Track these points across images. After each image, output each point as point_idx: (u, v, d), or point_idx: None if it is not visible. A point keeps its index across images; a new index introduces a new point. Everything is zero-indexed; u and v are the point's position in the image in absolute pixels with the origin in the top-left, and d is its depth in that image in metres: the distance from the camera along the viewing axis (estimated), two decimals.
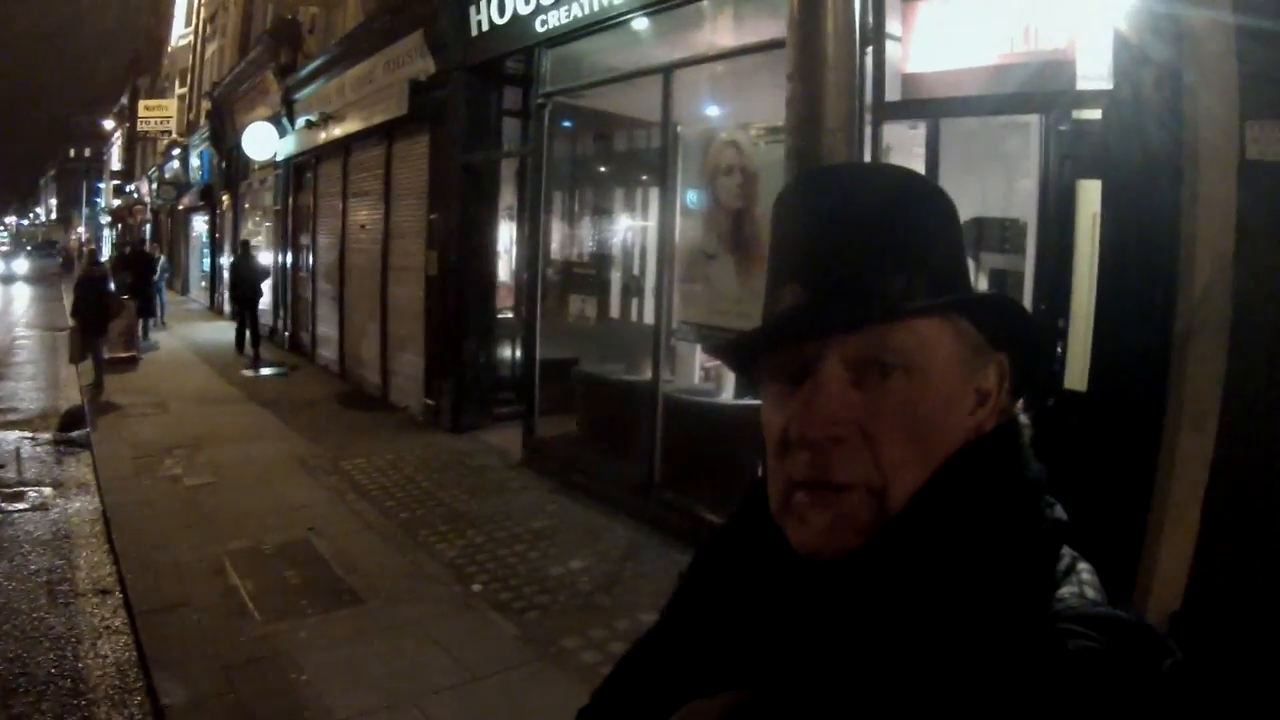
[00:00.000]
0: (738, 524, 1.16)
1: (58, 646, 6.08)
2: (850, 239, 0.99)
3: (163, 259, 25.94)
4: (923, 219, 1.03)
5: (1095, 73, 5.25)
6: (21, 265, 64.26)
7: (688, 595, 1.20)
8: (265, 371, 16.71)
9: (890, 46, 6.30)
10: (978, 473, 0.96)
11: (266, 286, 19.57)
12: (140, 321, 18.84)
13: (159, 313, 22.09)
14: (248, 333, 18.37)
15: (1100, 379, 5.54)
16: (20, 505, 9.04)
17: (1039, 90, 5.47)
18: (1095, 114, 5.52)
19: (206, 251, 28.14)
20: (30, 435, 12.01)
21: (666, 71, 8.37)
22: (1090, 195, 5.77)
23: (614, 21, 8.73)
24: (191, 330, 21.99)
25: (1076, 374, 5.83)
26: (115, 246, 30.30)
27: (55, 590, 7.02)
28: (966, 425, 1.00)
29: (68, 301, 16.29)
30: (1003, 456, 0.99)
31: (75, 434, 11.72)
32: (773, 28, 7.04)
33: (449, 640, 5.96)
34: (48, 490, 9.56)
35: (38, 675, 5.69)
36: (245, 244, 19.73)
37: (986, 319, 1.02)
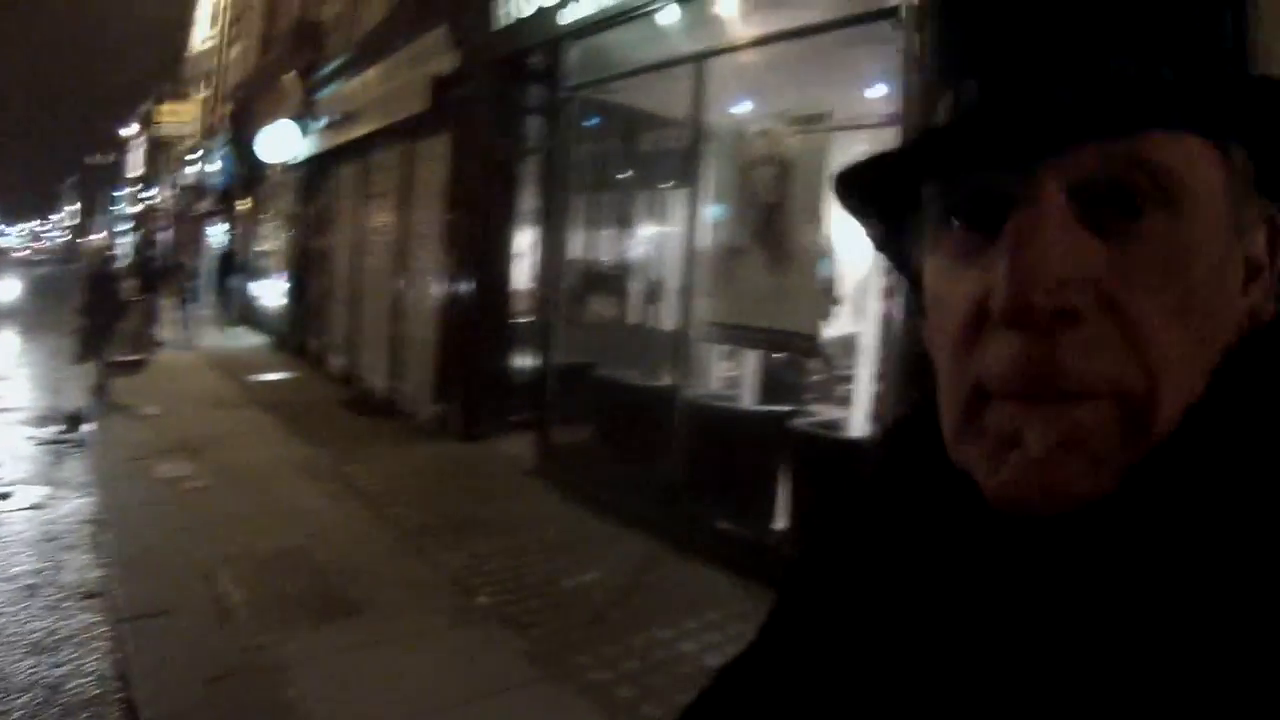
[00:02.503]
0: (877, 485, 0.83)
1: (36, 651, 5.81)
2: (1064, 6, 0.64)
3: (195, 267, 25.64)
4: None
5: None
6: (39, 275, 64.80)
7: (802, 604, 0.87)
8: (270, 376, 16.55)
9: None
10: (1270, 385, 0.65)
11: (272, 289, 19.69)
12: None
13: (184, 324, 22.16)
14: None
15: None
16: (13, 504, 8.82)
17: None
18: None
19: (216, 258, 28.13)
20: (30, 435, 11.83)
21: (696, 61, 8.10)
22: None
23: (641, 11, 8.47)
24: (201, 335, 21.87)
25: None
26: (136, 249, 30.40)
27: (39, 592, 6.76)
28: (1238, 309, 0.67)
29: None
30: None
31: (75, 434, 11.55)
32: (804, 14, 6.82)
33: (452, 655, 5.67)
34: (43, 490, 9.33)
35: (12, 682, 5.41)
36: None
37: (1270, 144, 0.66)
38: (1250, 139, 0.66)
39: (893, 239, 0.79)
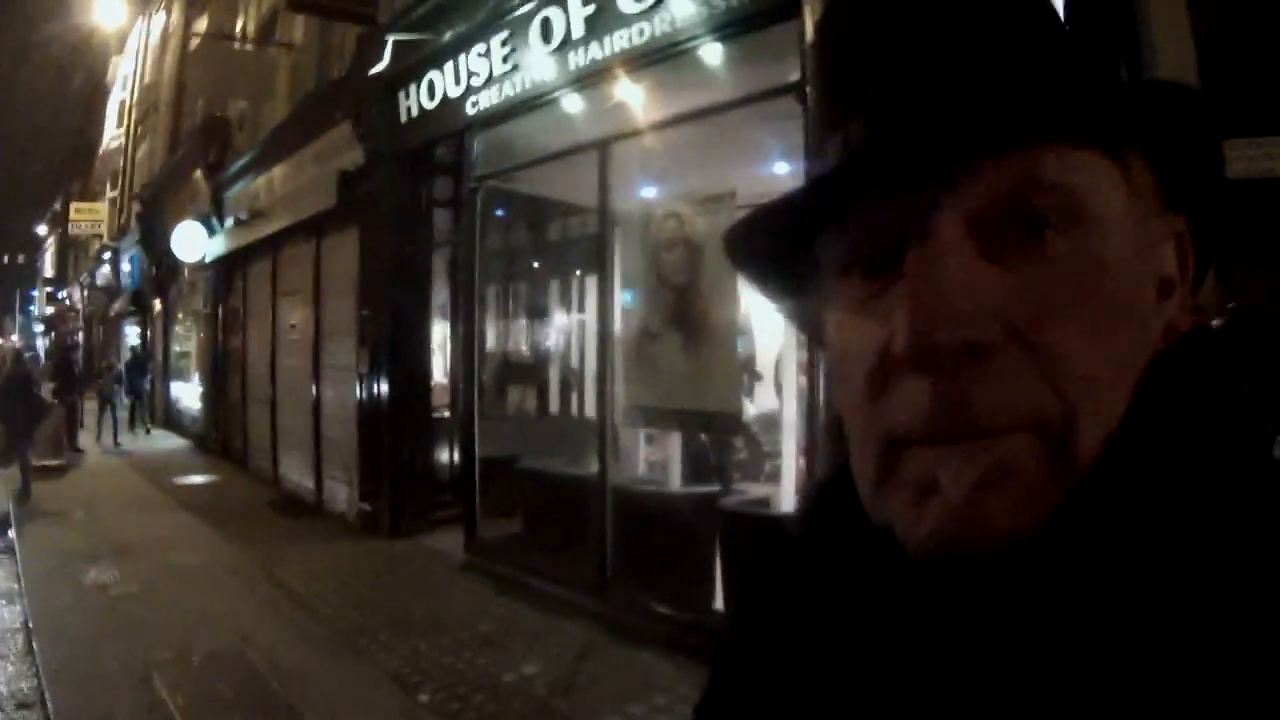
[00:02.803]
0: (800, 550, 0.80)
1: None
2: (953, 34, 0.63)
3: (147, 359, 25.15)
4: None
5: None
6: None
7: (734, 679, 0.83)
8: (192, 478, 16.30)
9: None
10: (1195, 402, 0.63)
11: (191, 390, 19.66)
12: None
13: (131, 418, 21.94)
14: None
15: None
16: None
17: None
18: None
19: (126, 360, 27.74)
20: None
21: (601, 147, 8.19)
22: None
23: (544, 100, 8.58)
24: (123, 438, 21.46)
25: None
26: (51, 351, 29.85)
27: None
28: (1154, 327, 0.66)
29: None
30: (1217, 375, 0.66)
31: None
32: (706, 95, 6.96)
33: None
34: None
35: None
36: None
37: (1169, 154, 0.66)
38: (1145, 145, 0.65)
39: (794, 302, 0.78)
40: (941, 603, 0.63)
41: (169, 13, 28.75)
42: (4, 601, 9.00)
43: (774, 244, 0.71)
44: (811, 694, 0.72)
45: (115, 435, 20.68)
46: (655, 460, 8.51)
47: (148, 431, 21.85)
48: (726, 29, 6.72)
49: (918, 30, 0.64)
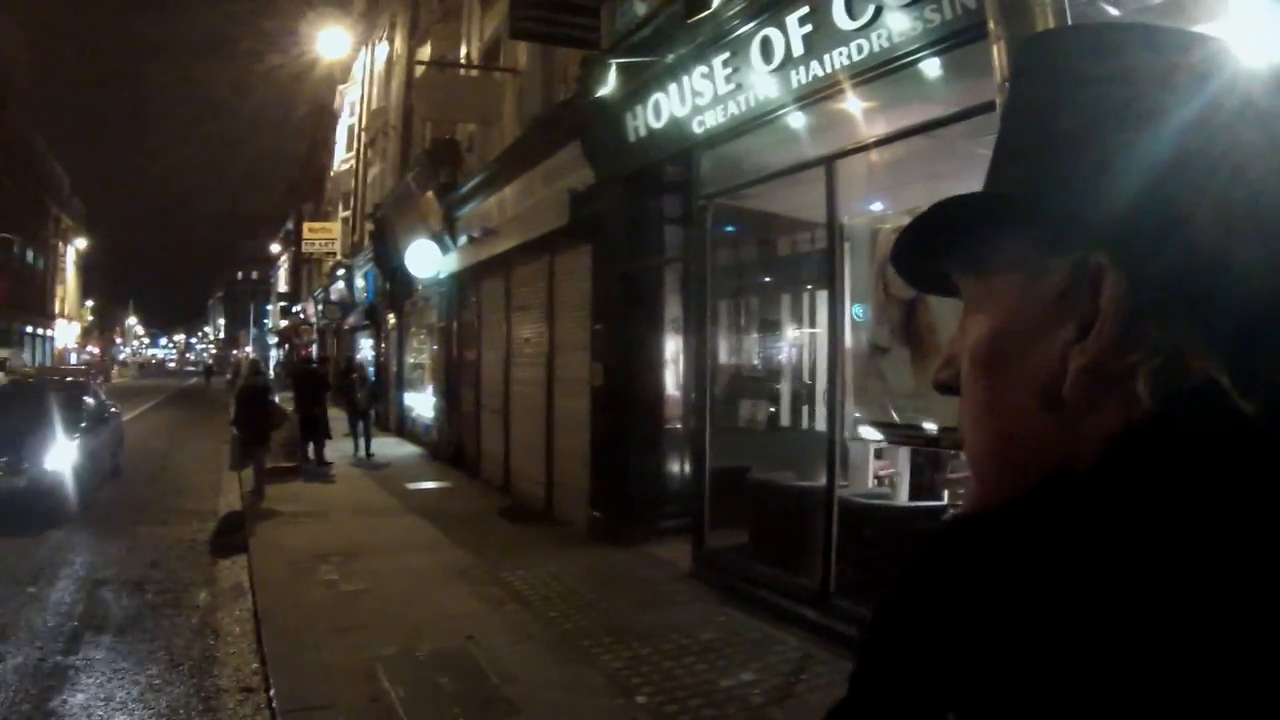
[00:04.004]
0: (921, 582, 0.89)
1: None
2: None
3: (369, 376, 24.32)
4: None
5: None
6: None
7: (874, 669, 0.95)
8: (422, 485, 16.78)
9: None
10: (1191, 410, 0.70)
11: (424, 401, 19.76)
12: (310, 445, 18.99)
13: (358, 442, 20.86)
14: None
15: None
16: (174, 604, 9.13)
17: None
18: None
19: (372, 371, 28.45)
20: (189, 538, 12.28)
21: (827, 163, 8.22)
22: None
23: (770, 117, 8.63)
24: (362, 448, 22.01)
25: None
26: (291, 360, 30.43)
27: (199, 687, 6.93)
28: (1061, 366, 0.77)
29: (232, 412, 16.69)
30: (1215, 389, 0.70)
31: (232, 538, 11.83)
32: (927, 110, 6.98)
33: None
34: (202, 591, 9.64)
35: None
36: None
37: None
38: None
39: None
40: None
41: (391, 43, 30.06)
42: (235, 593, 9.49)
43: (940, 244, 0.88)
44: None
45: (368, 447, 20.51)
46: (885, 475, 8.44)
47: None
48: (942, 43, 6.68)
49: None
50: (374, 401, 20.97)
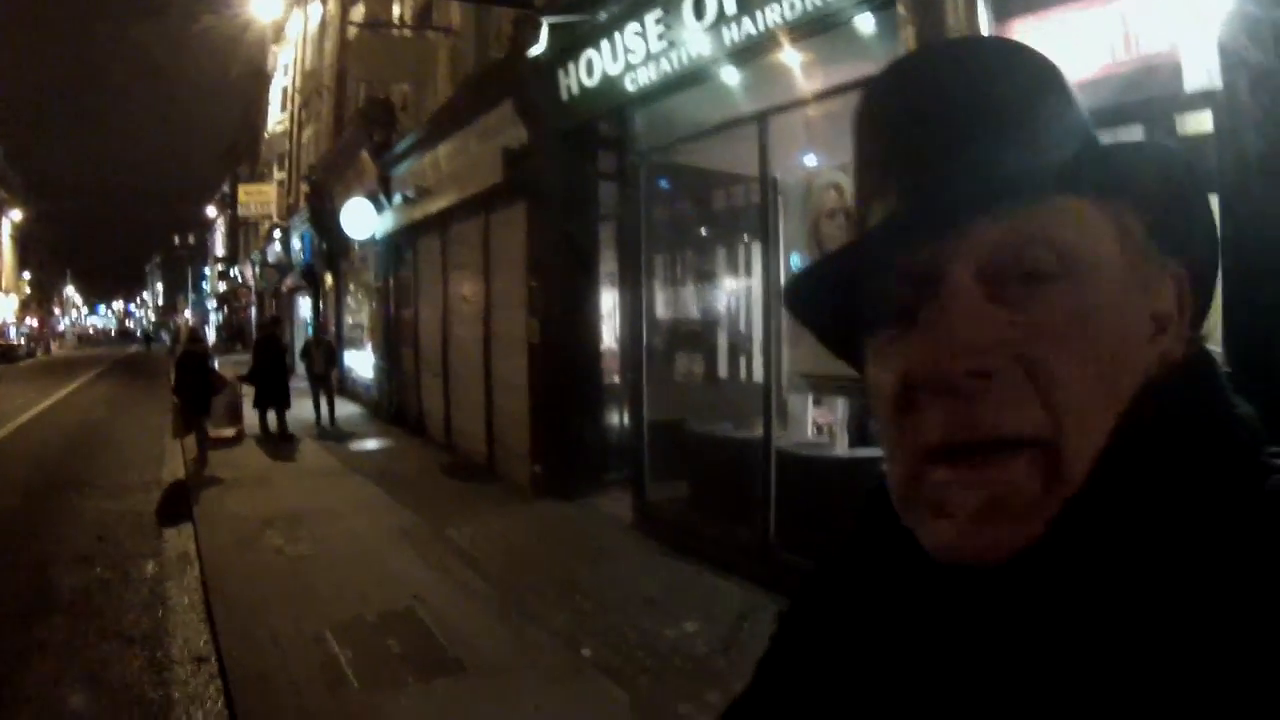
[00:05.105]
0: (853, 542, 0.91)
1: (150, 714, 5.97)
2: (960, 121, 0.76)
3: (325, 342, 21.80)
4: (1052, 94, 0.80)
5: (1201, 83, 4.96)
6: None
7: (789, 644, 0.97)
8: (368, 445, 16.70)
9: None
10: (1184, 420, 0.71)
11: (364, 360, 19.60)
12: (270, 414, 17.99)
13: (319, 412, 19.46)
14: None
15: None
16: (119, 576, 9.05)
17: (1141, 98, 5.18)
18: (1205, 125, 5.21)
19: (310, 331, 28.05)
20: (132, 509, 12.12)
21: (760, 119, 8.28)
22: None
23: (704, 74, 8.64)
24: (296, 408, 21.81)
25: None
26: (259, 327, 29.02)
27: (151, 660, 6.89)
28: (1144, 357, 0.74)
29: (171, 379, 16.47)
30: (1209, 395, 0.74)
31: (178, 507, 11.73)
32: (861, 67, 6.89)
33: (557, 708, 5.77)
34: (149, 563, 9.54)
35: None
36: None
37: (1157, 205, 0.76)
38: (1135, 199, 0.75)
39: (846, 351, 0.88)
40: (958, 600, 0.73)
41: (324, 2, 29.56)
42: (182, 563, 9.41)
43: (829, 295, 0.82)
44: (843, 679, 0.84)
45: (332, 416, 19.38)
46: (824, 424, 8.53)
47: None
48: (875, 1, 6.72)
49: (937, 118, 0.77)
50: (330, 365, 19.96)
